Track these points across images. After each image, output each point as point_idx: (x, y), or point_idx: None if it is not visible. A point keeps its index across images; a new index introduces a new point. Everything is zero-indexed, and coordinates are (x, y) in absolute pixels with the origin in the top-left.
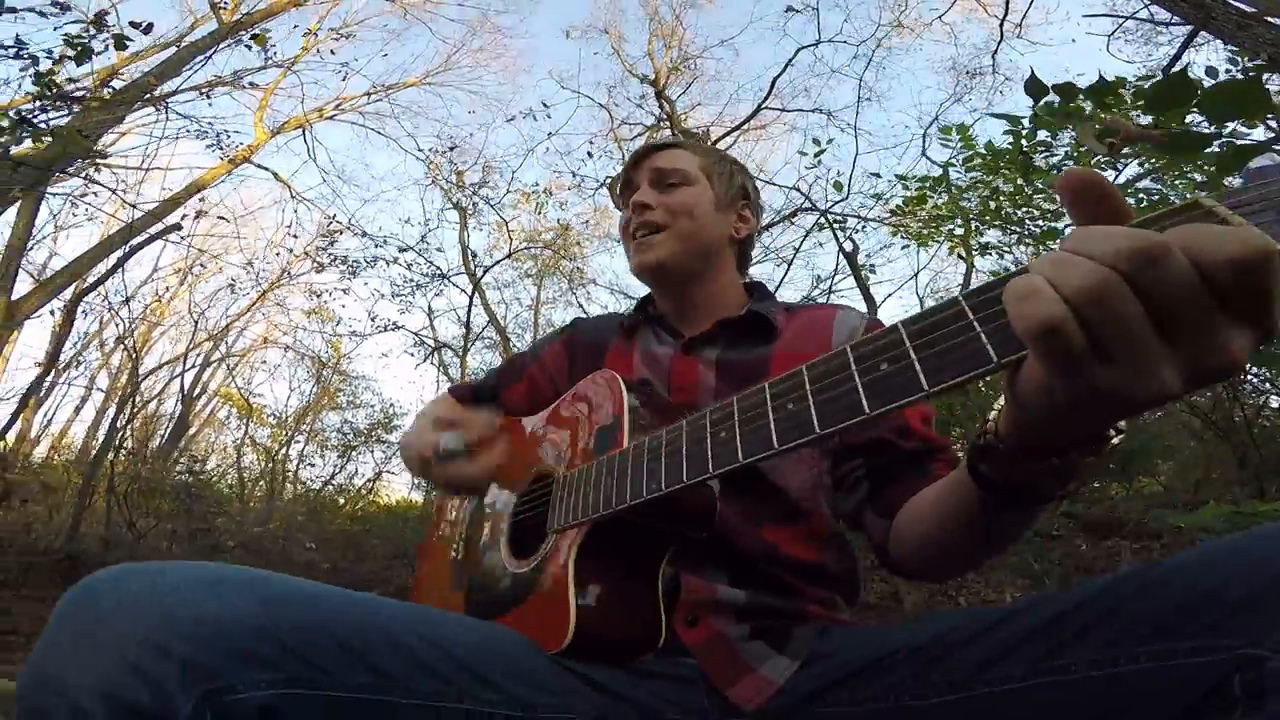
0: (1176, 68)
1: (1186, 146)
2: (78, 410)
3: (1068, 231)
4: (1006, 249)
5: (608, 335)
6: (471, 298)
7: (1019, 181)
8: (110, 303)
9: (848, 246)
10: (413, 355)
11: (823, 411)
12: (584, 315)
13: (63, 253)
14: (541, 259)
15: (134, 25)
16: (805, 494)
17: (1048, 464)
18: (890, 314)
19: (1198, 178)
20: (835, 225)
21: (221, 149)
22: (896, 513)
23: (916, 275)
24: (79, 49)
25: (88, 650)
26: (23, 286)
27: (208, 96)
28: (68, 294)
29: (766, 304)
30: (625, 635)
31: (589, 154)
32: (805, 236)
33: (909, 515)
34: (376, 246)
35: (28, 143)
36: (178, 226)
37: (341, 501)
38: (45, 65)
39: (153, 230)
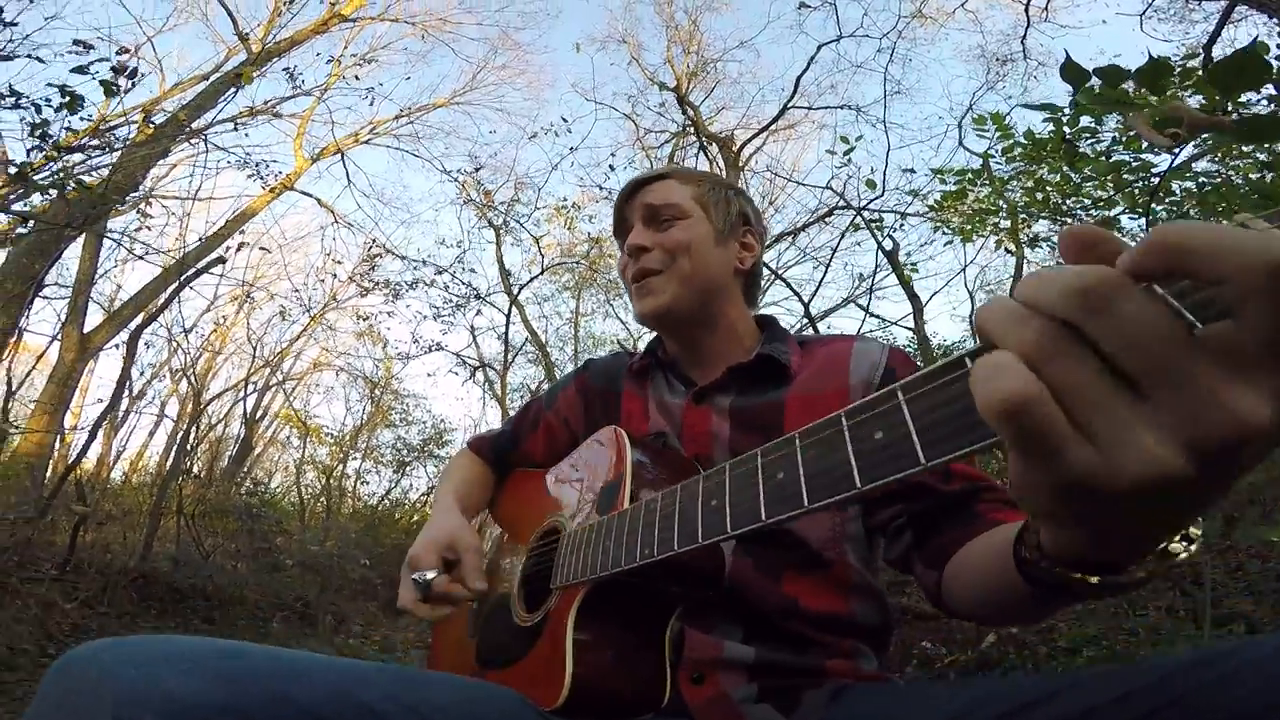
0: (1218, 44)
1: (1268, 132)
2: (151, 435)
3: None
4: (1055, 244)
5: (619, 380)
6: (509, 315)
7: (1065, 169)
8: (171, 334)
9: (887, 245)
10: (457, 374)
11: (812, 486)
12: (595, 357)
13: (129, 286)
14: (578, 272)
15: (117, 71)
16: (826, 544)
17: (1087, 580)
18: (937, 311)
19: (1261, 156)
20: (872, 225)
21: (261, 178)
22: (946, 563)
23: (965, 269)
24: (70, 97)
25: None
26: (94, 319)
27: (239, 127)
28: (135, 324)
29: (777, 345)
30: (625, 694)
31: (610, 167)
32: (841, 237)
33: (958, 570)
34: (415, 269)
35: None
36: (222, 260)
37: (397, 516)
38: (46, 113)
39: (199, 265)
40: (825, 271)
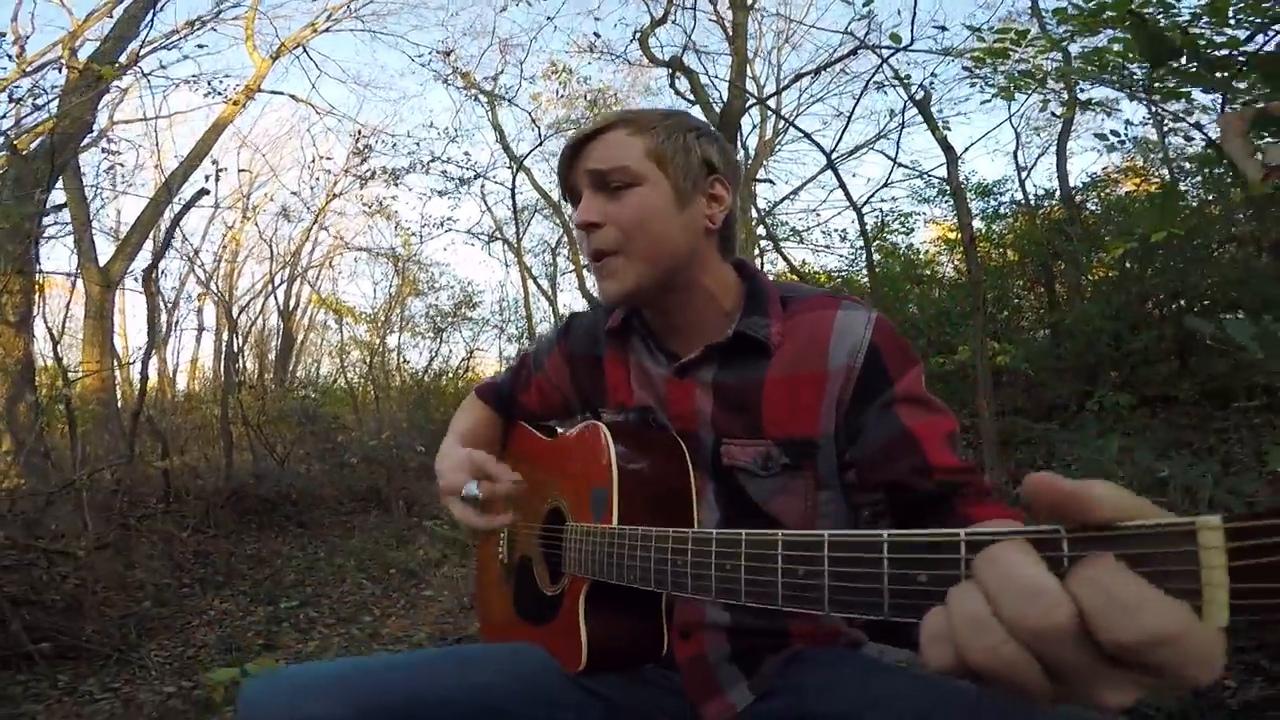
0: None
1: None
2: (197, 341)
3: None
4: (1113, 107)
5: (601, 342)
6: (514, 185)
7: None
8: (187, 259)
9: (918, 94)
10: (472, 245)
11: (750, 590)
12: (577, 314)
13: (129, 213)
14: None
15: None
16: (799, 523)
17: None
18: (976, 163)
19: None
20: (902, 80)
21: (219, 93)
22: None
23: (1010, 117)
24: None
25: None
26: (108, 251)
27: (173, 48)
28: (147, 249)
29: (755, 319)
30: (631, 652)
31: (595, 19)
32: (865, 88)
33: None
34: (410, 154)
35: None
36: (205, 191)
37: (444, 383)
38: None
39: (185, 201)
40: (848, 124)
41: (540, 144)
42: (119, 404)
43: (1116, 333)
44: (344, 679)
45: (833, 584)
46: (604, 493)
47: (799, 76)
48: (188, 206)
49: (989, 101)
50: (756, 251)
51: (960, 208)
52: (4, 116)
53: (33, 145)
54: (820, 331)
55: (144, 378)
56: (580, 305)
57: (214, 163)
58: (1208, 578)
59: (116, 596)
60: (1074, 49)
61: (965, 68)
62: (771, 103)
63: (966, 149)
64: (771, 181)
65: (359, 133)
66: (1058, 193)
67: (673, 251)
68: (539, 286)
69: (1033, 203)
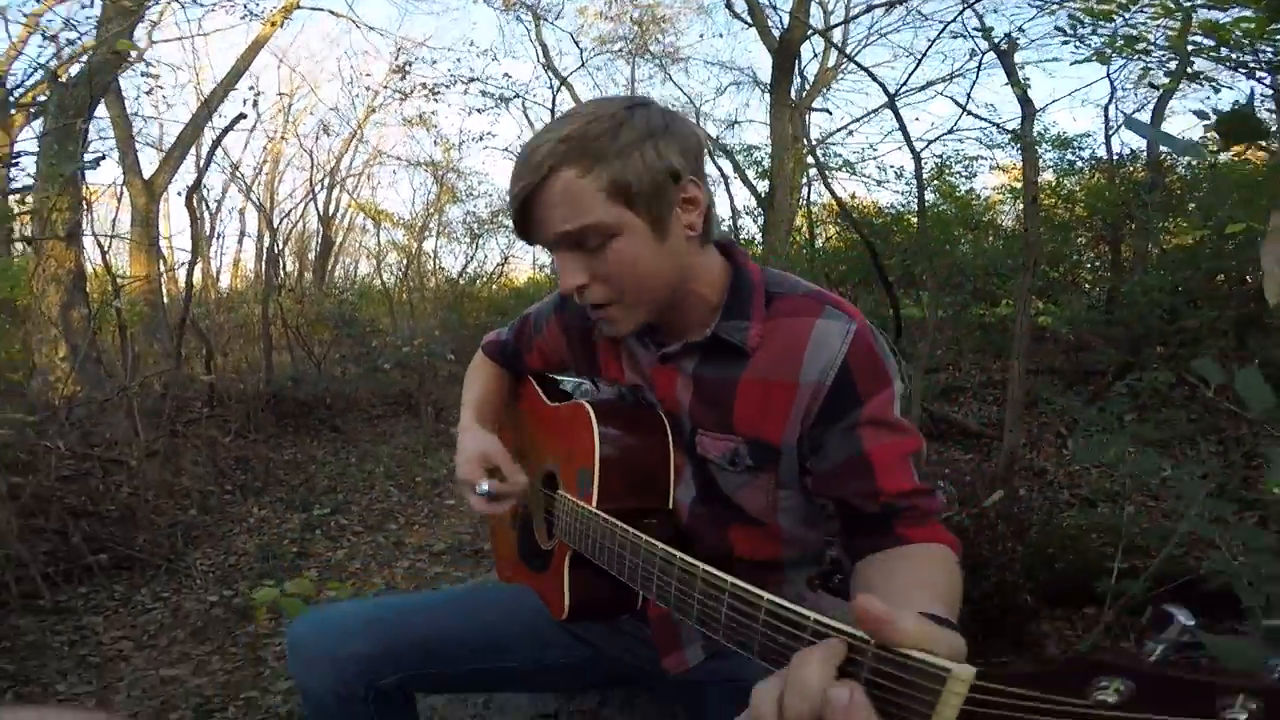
0: None
1: None
2: (239, 244)
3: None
4: (1224, 84)
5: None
6: (556, 95)
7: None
8: (228, 172)
9: (1003, 45)
10: (511, 159)
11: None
12: None
13: (172, 128)
14: (630, 41)
15: None
16: (760, 513)
17: None
18: (1058, 115)
19: None
20: (985, 31)
21: (255, 15)
22: (857, 560)
23: (1109, 73)
24: None
25: (309, 667)
26: (151, 164)
27: None
28: (189, 162)
29: (735, 323)
30: (608, 607)
31: None
32: (941, 34)
33: (862, 571)
34: (449, 72)
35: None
36: (243, 115)
37: (478, 286)
38: None
39: (225, 122)
40: (917, 65)
41: (583, 64)
42: (165, 306)
43: (1174, 307)
44: (376, 620)
45: (727, 625)
46: (588, 474)
47: (870, 8)
48: (227, 129)
49: (1081, 64)
50: (804, 180)
51: (1028, 165)
52: (41, 48)
53: (72, 71)
54: (797, 340)
55: (189, 288)
56: None
57: (252, 87)
58: (939, 713)
59: (165, 504)
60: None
61: (1059, 28)
62: (833, 36)
63: (1047, 105)
64: (829, 111)
65: (399, 48)
66: (1145, 155)
67: (666, 282)
68: None
69: (1115, 161)
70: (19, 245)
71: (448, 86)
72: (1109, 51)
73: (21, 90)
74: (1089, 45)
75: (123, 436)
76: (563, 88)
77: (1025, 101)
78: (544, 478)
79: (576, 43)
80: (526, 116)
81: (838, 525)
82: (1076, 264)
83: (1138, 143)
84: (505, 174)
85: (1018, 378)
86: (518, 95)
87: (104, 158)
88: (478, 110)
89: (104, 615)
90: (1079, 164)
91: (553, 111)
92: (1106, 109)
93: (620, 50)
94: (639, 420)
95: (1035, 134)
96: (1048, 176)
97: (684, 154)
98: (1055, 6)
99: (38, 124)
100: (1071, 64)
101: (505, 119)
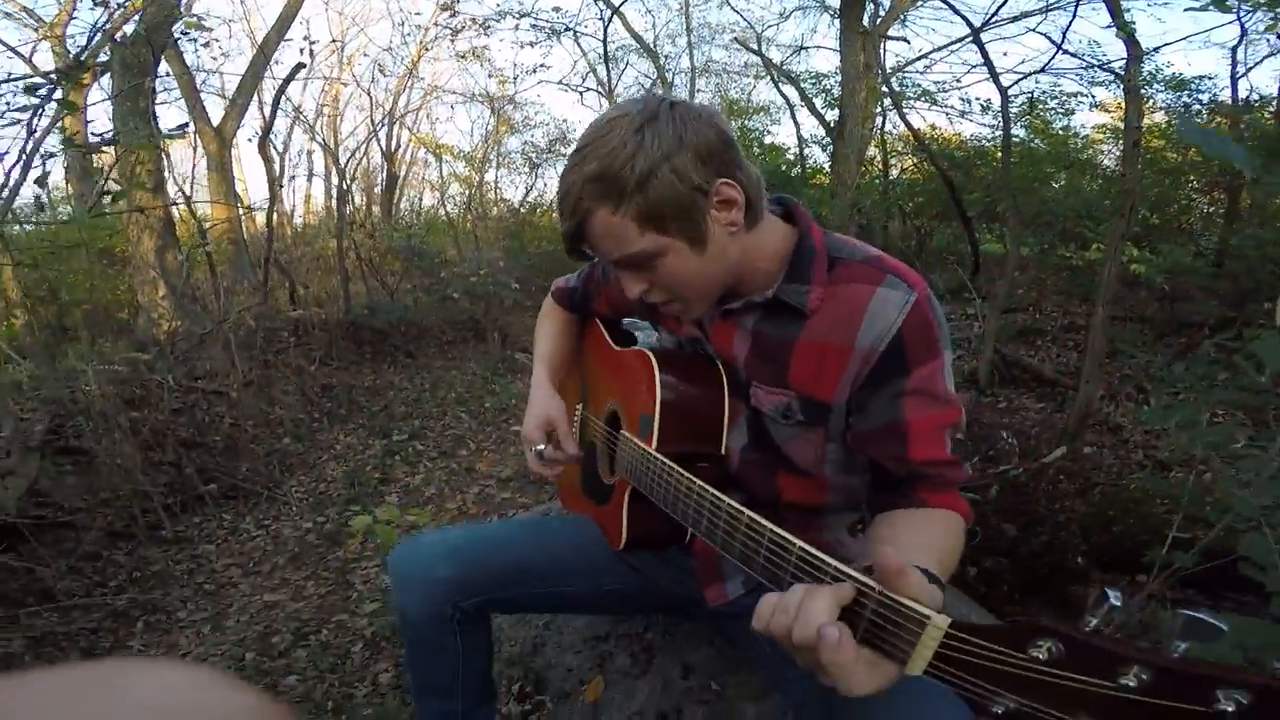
0: None
1: None
2: (309, 182)
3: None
4: None
5: None
6: (608, 25)
7: None
8: (291, 111)
9: None
10: (566, 90)
11: (726, 546)
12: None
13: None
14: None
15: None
16: (809, 464)
17: None
18: (1173, 57)
19: None
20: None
21: None
22: (877, 513)
23: (1239, 12)
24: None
25: (406, 590)
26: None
27: None
28: (253, 108)
29: (796, 286)
30: (660, 540)
31: None
32: None
33: (877, 525)
34: (497, 7)
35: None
36: (302, 65)
37: (538, 214)
38: None
39: (282, 74)
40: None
41: None
42: (246, 244)
43: None
44: (459, 549)
45: (764, 564)
46: (649, 419)
47: None
48: (288, 79)
49: (1197, 10)
50: (878, 109)
51: (1130, 109)
52: (93, 9)
53: (128, 31)
54: (856, 307)
55: (270, 228)
56: None
57: (306, 37)
58: (918, 650)
59: (262, 433)
60: None
61: None
62: None
63: (1159, 47)
64: (906, 40)
65: None
66: (1276, 101)
67: (718, 281)
68: None
69: (1240, 105)
70: (107, 198)
71: (497, 20)
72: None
73: (85, 53)
74: None
75: (220, 369)
76: (614, 17)
77: (1132, 42)
78: (608, 416)
79: None
80: (579, 45)
81: (869, 475)
82: (1185, 209)
83: (1269, 86)
84: (560, 104)
85: (1100, 324)
86: (568, 29)
87: (188, 124)
88: (529, 44)
89: (216, 544)
90: (1195, 108)
91: (604, 42)
92: (1234, 50)
93: None
94: (697, 370)
95: (1147, 74)
96: (1158, 118)
97: (705, 160)
98: None
99: (104, 82)
100: (1185, 10)
101: (558, 50)
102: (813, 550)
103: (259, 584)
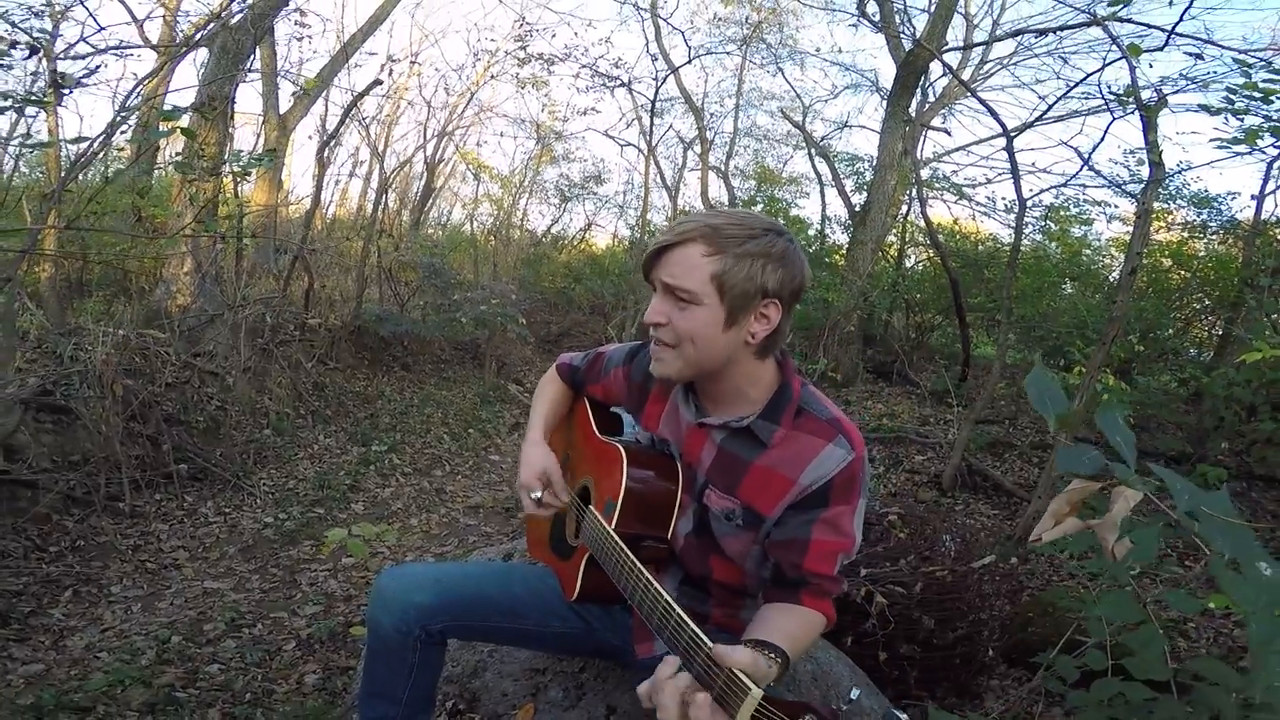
0: None
1: None
2: (350, 175)
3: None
4: None
5: (652, 380)
6: (661, 83)
7: None
8: (355, 119)
9: (1153, 101)
10: (612, 139)
11: (660, 629)
12: (644, 346)
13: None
14: (747, 26)
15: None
16: (736, 556)
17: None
18: (1203, 171)
19: None
20: (1133, 93)
21: None
22: (763, 599)
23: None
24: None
25: (384, 607)
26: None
27: None
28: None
29: (765, 423)
30: (606, 598)
31: None
32: (1101, 70)
33: (757, 612)
34: (565, 49)
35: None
36: (379, 82)
37: (559, 248)
38: None
39: (359, 91)
40: (1046, 111)
41: (690, 61)
42: (274, 229)
43: (1254, 406)
44: (439, 580)
45: (670, 638)
46: (613, 504)
47: (1017, 32)
48: (363, 93)
49: (1229, 147)
50: (907, 197)
51: (1136, 235)
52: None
53: (236, 16)
54: (807, 453)
55: (307, 229)
56: (698, 204)
57: (390, 55)
58: (741, 713)
59: (245, 421)
60: None
61: (1203, 107)
62: (968, 56)
63: (1191, 167)
64: (948, 132)
65: (521, 20)
66: None
67: (711, 359)
68: (663, 180)
69: (1257, 227)
70: (168, 169)
71: (561, 60)
72: (1257, 135)
73: (200, 36)
74: (1238, 120)
75: (221, 351)
76: (670, 76)
77: (1157, 165)
78: (580, 490)
79: (688, 43)
80: (631, 96)
81: (768, 572)
82: (1181, 332)
83: None
84: (601, 147)
85: (1061, 446)
86: (623, 84)
87: (274, 151)
88: (586, 89)
89: (170, 524)
90: (1212, 225)
91: (653, 102)
92: (1270, 166)
93: (734, 35)
94: (660, 468)
95: (1172, 190)
96: (1172, 236)
97: (782, 284)
98: (1210, 59)
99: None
100: (1211, 141)
101: (609, 101)
102: (697, 632)
103: (203, 570)
